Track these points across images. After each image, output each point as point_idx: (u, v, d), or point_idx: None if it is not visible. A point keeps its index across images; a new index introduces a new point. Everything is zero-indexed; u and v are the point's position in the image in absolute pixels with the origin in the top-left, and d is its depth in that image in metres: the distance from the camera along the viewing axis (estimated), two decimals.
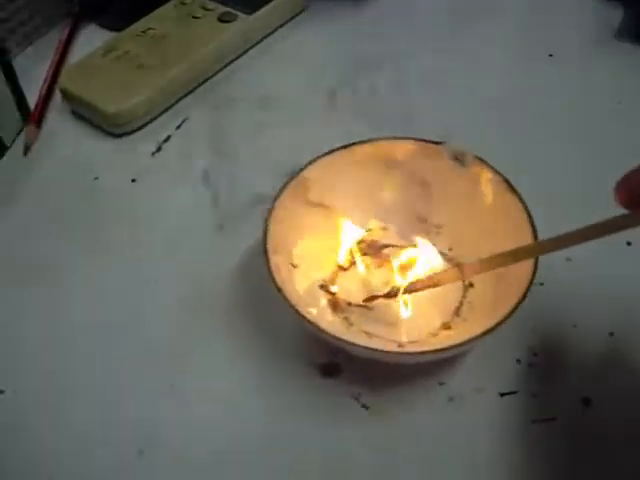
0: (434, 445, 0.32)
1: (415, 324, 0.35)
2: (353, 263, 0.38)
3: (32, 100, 0.50)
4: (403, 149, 0.39)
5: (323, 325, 0.32)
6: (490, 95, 0.48)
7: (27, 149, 0.48)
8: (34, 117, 0.49)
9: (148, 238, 0.42)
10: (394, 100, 0.49)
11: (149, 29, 0.52)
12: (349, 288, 0.38)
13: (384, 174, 0.39)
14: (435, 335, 0.35)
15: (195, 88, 0.51)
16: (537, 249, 0.33)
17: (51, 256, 0.41)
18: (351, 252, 0.38)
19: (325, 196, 0.39)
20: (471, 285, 0.37)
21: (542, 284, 0.36)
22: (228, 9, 0.53)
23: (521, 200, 0.35)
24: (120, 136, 0.48)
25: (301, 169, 0.38)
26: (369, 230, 0.40)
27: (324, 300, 0.37)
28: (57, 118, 0.50)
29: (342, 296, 0.37)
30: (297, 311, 0.32)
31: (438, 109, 0.48)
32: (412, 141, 0.39)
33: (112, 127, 0.48)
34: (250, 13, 0.53)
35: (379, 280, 0.38)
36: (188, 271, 0.40)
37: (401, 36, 0.55)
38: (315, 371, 0.35)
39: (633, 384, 0.34)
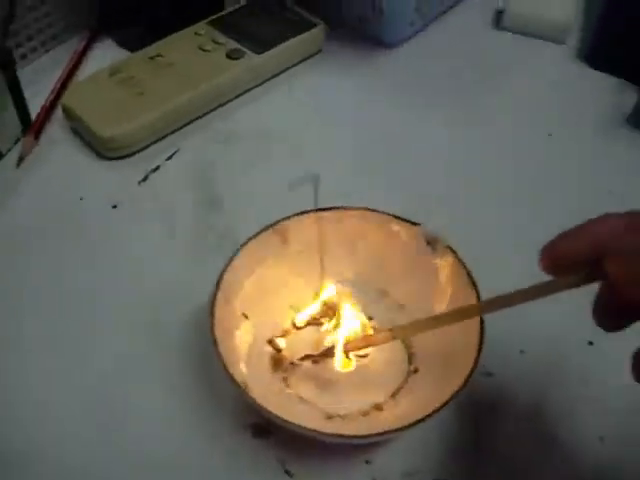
0: None
1: (350, 397, 0.35)
2: (309, 324, 0.38)
3: (38, 110, 0.51)
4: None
5: (254, 385, 0.32)
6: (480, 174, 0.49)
7: (21, 160, 0.48)
8: (33, 128, 0.50)
9: (112, 269, 0.42)
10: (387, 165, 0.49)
11: (158, 55, 0.53)
12: (298, 347, 0.37)
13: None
14: (366, 414, 0.34)
15: (192, 120, 0.51)
16: (465, 311, 0.33)
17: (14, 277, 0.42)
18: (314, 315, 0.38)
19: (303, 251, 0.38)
20: (416, 371, 0.36)
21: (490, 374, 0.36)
22: (238, 46, 0.54)
23: (478, 297, 0.35)
24: (112, 159, 0.49)
25: (277, 221, 0.38)
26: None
27: (267, 357, 0.37)
28: (57, 132, 0.51)
29: (288, 354, 0.37)
30: (226, 369, 0.32)
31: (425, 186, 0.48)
32: (390, 217, 0.39)
33: (105, 150, 0.49)
34: (260, 52, 0.53)
35: (330, 342, 0.37)
36: (142, 311, 0.40)
37: (405, 102, 0.55)
38: (247, 430, 0.35)
39: None
